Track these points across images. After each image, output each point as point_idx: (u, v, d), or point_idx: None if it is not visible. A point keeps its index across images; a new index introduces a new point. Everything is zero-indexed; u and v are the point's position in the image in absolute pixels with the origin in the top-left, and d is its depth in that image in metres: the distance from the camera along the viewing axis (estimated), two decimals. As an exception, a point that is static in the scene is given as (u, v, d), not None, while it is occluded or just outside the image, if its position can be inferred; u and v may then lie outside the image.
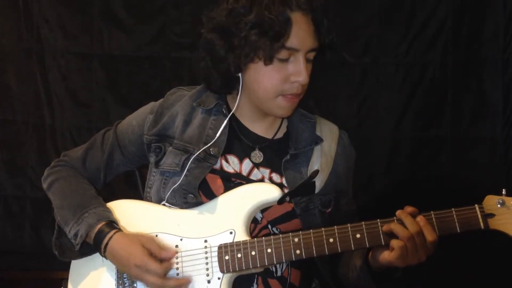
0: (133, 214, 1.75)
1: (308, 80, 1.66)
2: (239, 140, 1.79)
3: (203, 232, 1.66)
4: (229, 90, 1.77)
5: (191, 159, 1.72)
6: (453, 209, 1.52)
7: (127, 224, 1.73)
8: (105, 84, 3.42)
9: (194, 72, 3.25)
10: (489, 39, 3.17)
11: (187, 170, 1.72)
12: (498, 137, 3.20)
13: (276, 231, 1.71)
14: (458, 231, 1.51)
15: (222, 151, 1.75)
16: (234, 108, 1.76)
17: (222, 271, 1.62)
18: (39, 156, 3.44)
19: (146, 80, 3.39)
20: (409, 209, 1.53)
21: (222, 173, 1.74)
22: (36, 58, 3.42)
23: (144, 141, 1.83)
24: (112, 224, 1.69)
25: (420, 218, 1.51)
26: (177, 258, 1.65)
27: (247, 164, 1.76)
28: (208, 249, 1.64)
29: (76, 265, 1.78)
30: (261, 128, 1.81)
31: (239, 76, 1.70)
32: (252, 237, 1.65)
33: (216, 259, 1.63)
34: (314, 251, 1.56)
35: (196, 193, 1.70)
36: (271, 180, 1.74)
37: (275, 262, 1.59)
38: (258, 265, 1.60)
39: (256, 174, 1.75)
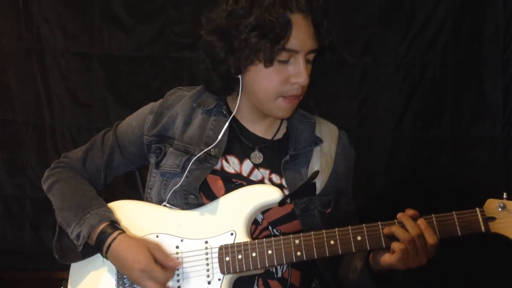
0: (134, 215, 1.75)
1: (308, 81, 1.66)
2: (239, 141, 1.79)
3: (204, 233, 1.66)
4: (229, 91, 1.77)
5: (192, 160, 1.72)
6: (454, 212, 1.52)
7: (128, 225, 1.73)
8: (105, 84, 3.42)
9: (194, 72, 3.24)
10: (489, 39, 3.18)
11: (188, 171, 1.72)
12: (498, 137, 3.20)
13: (277, 232, 1.71)
14: (459, 234, 1.51)
15: (223, 152, 1.75)
16: (235, 110, 1.76)
17: (222, 272, 1.62)
18: (39, 156, 3.44)
19: (146, 80, 3.39)
20: (410, 211, 1.53)
21: (222, 174, 1.74)
22: (36, 58, 3.42)
23: (144, 141, 1.83)
24: (115, 225, 1.69)
25: (421, 221, 1.51)
26: (178, 259, 1.65)
27: (247, 165, 1.76)
28: (208, 250, 1.64)
29: (76, 265, 1.77)
30: (260, 129, 1.81)
31: (239, 78, 1.69)
32: (253, 239, 1.65)
33: (216, 260, 1.63)
34: (315, 253, 1.56)
35: (197, 194, 1.70)
36: (271, 181, 1.74)
37: (275, 264, 1.60)
38: (259, 267, 1.60)
39: (256, 174, 1.75)
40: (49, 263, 2.04)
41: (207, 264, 1.63)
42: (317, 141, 1.80)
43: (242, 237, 1.63)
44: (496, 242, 1.54)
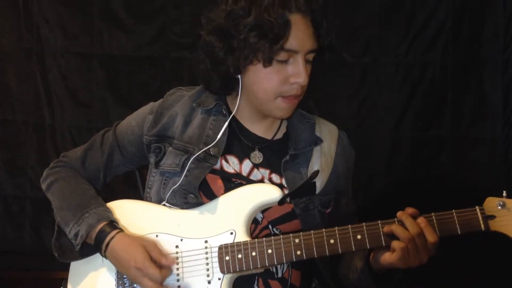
0: (133, 214, 1.75)
1: (308, 81, 1.66)
2: (239, 141, 1.79)
3: (204, 232, 1.66)
4: (228, 91, 1.77)
5: (191, 159, 1.72)
6: (453, 210, 1.52)
7: (128, 224, 1.72)
8: (105, 84, 3.43)
9: (194, 72, 3.26)
10: (489, 40, 3.18)
11: (187, 170, 1.72)
12: (498, 138, 3.20)
13: (277, 232, 1.71)
14: (459, 232, 1.51)
15: (222, 152, 1.75)
16: (235, 110, 1.77)
17: (222, 271, 1.62)
18: (39, 156, 3.44)
19: (146, 80, 3.40)
20: (409, 210, 1.53)
21: (222, 173, 1.74)
22: (36, 58, 3.42)
23: (143, 141, 1.83)
24: (113, 224, 1.69)
25: (421, 220, 1.51)
26: (177, 258, 1.65)
27: (247, 165, 1.76)
28: (208, 250, 1.64)
29: (76, 265, 1.77)
30: (260, 129, 1.81)
31: (238, 78, 1.70)
32: (253, 238, 1.65)
33: (216, 259, 1.63)
34: (315, 252, 1.56)
35: (197, 193, 1.70)
36: (271, 181, 1.74)
37: (275, 263, 1.60)
38: (259, 266, 1.60)
39: (256, 174, 1.75)
40: (49, 263, 2.04)
41: (207, 264, 1.63)
42: (317, 141, 1.80)
43: (242, 236, 1.63)
44: (495, 240, 1.54)
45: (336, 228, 1.56)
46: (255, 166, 1.76)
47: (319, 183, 1.74)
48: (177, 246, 1.66)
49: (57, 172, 1.87)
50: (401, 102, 3.27)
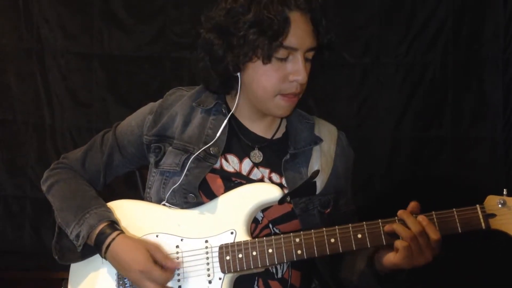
0: (133, 214, 1.75)
1: (307, 79, 1.66)
2: (239, 140, 1.79)
3: (204, 232, 1.66)
4: (228, 90, 1.77)
5: (191, 159, 1.72)
6: (454, 209, 1.52)
7: (128, 225, 1.72)
8: (105, 84, 3.43)
9: (194, 73, 3.26)
10: (489, 39, 3.18)
11: (187, 169, 1.71)
12: (499, 138, 3.20)
13: (277, 231, 1.70)
14: (460, 231, 1.51)
15: (222, 151, 1.75)
16: (234, 108, 1.76)
17: (223, 271, 1.61)
18: (39, 156, 3.45)
19: (146, 80, 3.40)
20: (412, 204, 1.53)
21: (222, 173, 1.74)
22: (36, 58, 3.43)
23: (143, 141, 1.83)
24: (114, 225, 1.69)
25: (422, 218, 1.50)
26: (178, 258, 1.65)
27: (247, 164, 1.76)
28: (209, 249, 1.64)
29: (77, 265, 1.77)
30: (260, 128, 1.81)
31: (237, 76, 1.70)
32: (253, 237, 1.65)
33: (217, 259, 1.62)
34: (316, 251, 1.56)
35: (197, 193, 1.70)
36: (271, 180, 1.74)
37: (276, 262, 1.59)
38: (259, 265, 1.60)
39: (256, 173, 1.74)
40: (49, 263, 2.03)
41: (208, 264, 1.63)
42: (317, 140, 1.80)
43: (242, 236, 1.63)
44: (496, 239, 1.54)
45: (336, 227, 1.56)
46: (255, 165, 1.76)
47: (319, 182, 1.74)
48: (177, 246, 1.66)
49: (57, 174, 1.87)
50: (401, 102, 3.28)
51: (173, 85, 1.95)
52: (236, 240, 1.62)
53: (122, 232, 1.67)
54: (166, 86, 2.01)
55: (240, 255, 1.60)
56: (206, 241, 1.65)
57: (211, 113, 1.79)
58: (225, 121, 1.75)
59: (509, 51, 3.16)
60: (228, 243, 1.62)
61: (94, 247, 1.68)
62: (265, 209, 1.69)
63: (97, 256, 1.70)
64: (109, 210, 1.74)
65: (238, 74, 1.69)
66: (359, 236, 1.54)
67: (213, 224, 1.66)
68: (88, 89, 3.44)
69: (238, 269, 1.60)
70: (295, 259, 1.58)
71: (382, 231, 1.53)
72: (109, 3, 3.39)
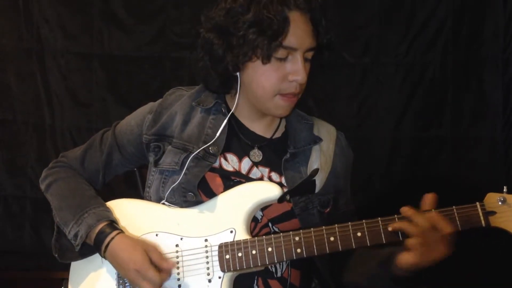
0: (133, 213, 1.75)
1: (306, 79, 1.66)
2: (238, 139, 1.79)
3: (204, 231, 1.66)
4: (227, 89, 1.78)
5: (190, 158, 1.72)
6: (454, 207, 1.52)
7: (127, 224, 1.72)
8: (105, 84, 3.43)
9: (194, 73, 3.25)
10: (489, 39, 3.18)
11: (186, 168, 1.71)
12: (498, 137, 3.21)
13: (277, 230, 1.70)
14: (459, 228, 1.51)
15: (221, 150, 1.75)
16: (233, 107, 1.77)
17: (223, 270, 1.61)
18: (39, 156, 3.44)
19: (146, 80, 3.40)
20: (429, 196, 1.52)
21: (221, 172, 1.74)
22: (36, 58, 3.43)
23: (143, 140, 1.83)
24: (113, 224, 1.69)
25: (434, 213, 1.49)
26: (177, 257, 1.65)
27: (246, 163, 1.76)
28: (208, 248, 1.64)
29: (77, 265, 1.77)
30: (259, 127, 1.81)
31: (237, 76, 1.70)
32: (253, 236, 1.65)
33: (216, 258, 1.62)
34: (315, 249, 1.56)
35: (196, 192, 1.70)
36: (270, 179, 1.74)
37: (276, 261, 1.59)
38: (259, 264, 1.60)
39: (256, 172, 1.75)
40: (49, 263, 2.04)
41: (207, 262, 1.63)
42: (316, 140, 1.80)
43: (242, 235, 1.63)
44: (496, 236, 1.54)
45: (336, 225, 1.56)
46: (255, 164, 1.76)
47: (319, 181, 1.74)
48: (177, 245, 1.66)
49: (56, 173, 1.87)
50: (401, 102, 3.28)
51: (173, 85, 1.95)
52: (235, 239, 1.62)
53: (121, 231, 1.67)
54: (166, 86, 2.01)
55: (239, 254, 1.60)
56: (206, 240, 1.65)
57: (210, 113, 1.80)
58: (225, 121, 1.75)
59: (509, 51, 3.16)
60: (227, 242, 1.62)
61: (94, 247, 1.68)
62: (264, 208, 1.69)
63: (97, 255, 1.70)
64: (108, 210, 1.74)
65: (238, 73, 1.69)
66: (359, 234, 1.54)
67: (213, 223, 1.66)
68: (88, 89, 3.43)
69: (238, 268, 1.60)
70: (294, 258, 1.58)
71: (381, 229, 1.53)
72: (109, 3, 3.39)
